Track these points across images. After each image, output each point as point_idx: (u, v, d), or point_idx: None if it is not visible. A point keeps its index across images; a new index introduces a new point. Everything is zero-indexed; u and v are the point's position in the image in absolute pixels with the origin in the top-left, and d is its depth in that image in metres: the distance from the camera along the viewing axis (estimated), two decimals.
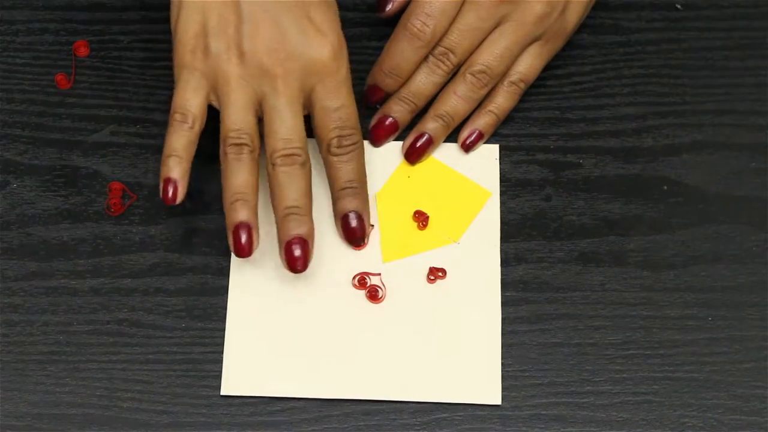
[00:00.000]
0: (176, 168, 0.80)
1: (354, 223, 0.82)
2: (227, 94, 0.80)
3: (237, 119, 0.79)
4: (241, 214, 0.80)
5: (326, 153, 0.81)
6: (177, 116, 0.80)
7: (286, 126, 0.79)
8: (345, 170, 0.81)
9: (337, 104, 0.80)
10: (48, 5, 0.90)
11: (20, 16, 0.90)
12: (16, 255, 0.84)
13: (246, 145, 0.79)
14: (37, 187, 0.85)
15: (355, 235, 0.83)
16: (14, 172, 0.86)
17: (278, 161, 0.80)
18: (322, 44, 0.79)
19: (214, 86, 0.80)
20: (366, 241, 0.84)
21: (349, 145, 0.81)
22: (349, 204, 0.82)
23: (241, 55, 0.79)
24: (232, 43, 0.79)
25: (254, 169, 0.80)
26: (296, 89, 0.79)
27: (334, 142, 0.80)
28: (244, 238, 0.80)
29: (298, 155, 0.80)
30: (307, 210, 0.80)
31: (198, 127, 0.80)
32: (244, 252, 0.80)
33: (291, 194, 0.80)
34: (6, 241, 0.84)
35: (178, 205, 0.80)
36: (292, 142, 0.79)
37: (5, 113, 0.87)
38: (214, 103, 0.81)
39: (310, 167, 0.81)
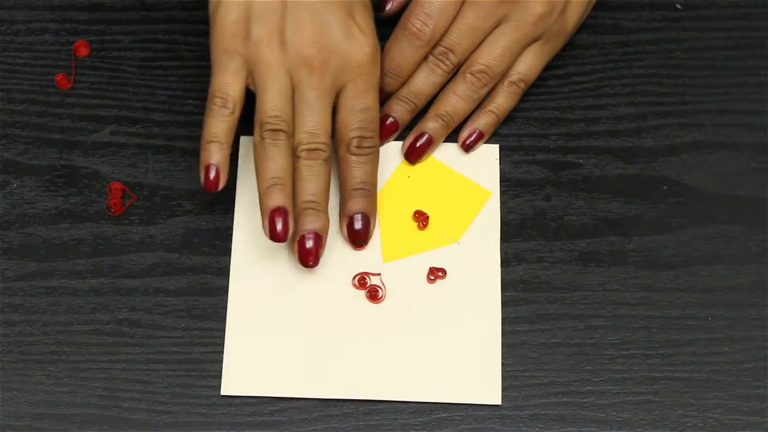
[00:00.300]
0: (217, 154, 0.79)
1: (360, 225, 0.82)
2: (265, 79, 0.79)
3: (276, 105, 0.79)
4: (277, 198, 0.79)
5: (344, 151, 0.81)
6: (217, 101, 0.79)
7: (314, 120, 0.79)
8: (360, 171, 0.81)
9: (363, 105, 0.80)
10: (48, 5, 0.90)
11: (20, 16, 0.90)
12: (16, 255, 0.84)
13: (284, 131, 0.79)
14: (37, 187, 0.85)
15: (359, 237, 0.83)
16: (14, 172, 0.86)
17: (302, 154, 0.79)
18: (362, 44, 0.79)
19: (252, 71, 0.79)
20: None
21: (368, 147, 0.81)
22: (358, 205, 0.82)
23: (283, 43, 0.78)
24: (275, 30, 0.78)
25: (290, 155, 0.80)
26: (329, 84, 0.79)
27: (354, 142, 0.80)
28: (280, 224, 0.79)
29: (322, 150, 0.80)
30: (324, 205, 0.81)
31: (238, 112, 0.80)
32: (280, 238, 0.80)
33: (310, 188, 0.80)
34: (6, 241, 0.84)
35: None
36: (318, 136, 0.79)
37: (5, 113, 0.87)
38: (251, 87, 0.80)
39: (331, 163, 0.81)
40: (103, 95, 0.88)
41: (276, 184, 0.79)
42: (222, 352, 0.81)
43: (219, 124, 0.79)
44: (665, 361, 0.82)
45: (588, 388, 0.81)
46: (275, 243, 0.82)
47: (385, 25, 0.86)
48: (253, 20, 0.79)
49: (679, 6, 0.90)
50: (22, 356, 0.81)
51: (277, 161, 0.79)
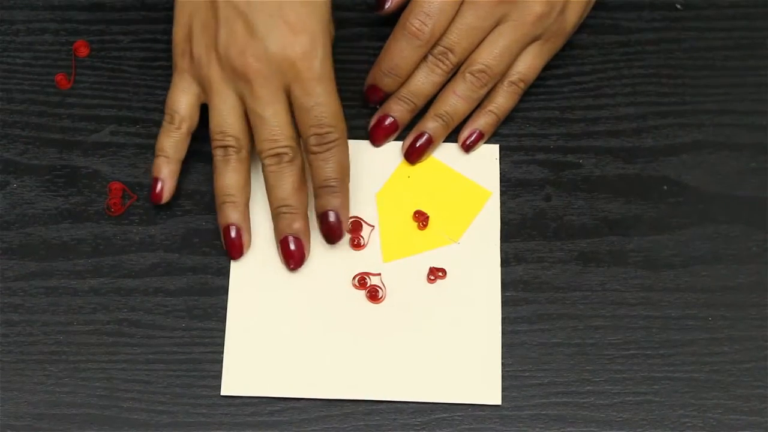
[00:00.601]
0: (164, 168, 0.83)
1: (331, 222, 0.82)
2: (211, 97, 0.81)
3: (221, 122, 0.81)
4: (229, 216, 0.82)
5: (306, 151, 0.81)
6: (166, 117, 0.83)
7: (267, 128, 0.80)
8: (323, 168, 0.81)
9: (311, 102, 0.80)
10: (48, 5, 0.90)
11: (20, 16, 0.90)
12: (16, 255, 0.84)
13: (231, 146, 0.81)
14: (37, 187, 0.85)
15: (332, 234, 0.83)
16: (14, 172, 0.86)
17: (265, 161, 0.81)
18: (291, 43, 0.79)
19: (202, 89, 0.81)
20: (364, 242, 0.84)
21: (327, 142, 0.80)
22: (326, 203, 0.82)
23: (219, 59, 0.80)
24: (211, 46, 0.80)
25: (242, 170, 0.82)
26: (273, 89, 0.79)
27: (311, 140, 0.80)
28: (234, 240, 0.82)
29: (285, 153, 0.80)
30: (298, 207, 0.81)
31: (186, 127, 0.83)
32: (235, 252, 0.83)
33: (280, 193, 0.81)
34: (6, 241, 0.84)
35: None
36: (277, 141, 0.80)
37: (5, 113, 0.87)
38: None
39: (300, 162, 0.81)
40: (103, 95, 0.88)
41: (226, 202, 0.82)
42: (222, 352, 0.81)
43: (167, 139, 0.83)
44: (665, 361, 0.82)
45: (588, 388, 0.81)
46: (274, 244, 0.83)
47: (385, 26, 0.86)
48: (193, 39, 0.81)
49: (679, 6, 0.90)
50: (22, 356, 0.81)
51: (225, 178, 0.82)
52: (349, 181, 0.82)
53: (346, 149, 0.81)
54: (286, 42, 0.79)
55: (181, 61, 0.82)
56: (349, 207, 0.83)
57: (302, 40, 0.79)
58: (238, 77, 0.79)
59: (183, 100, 0.82)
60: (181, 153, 0.83)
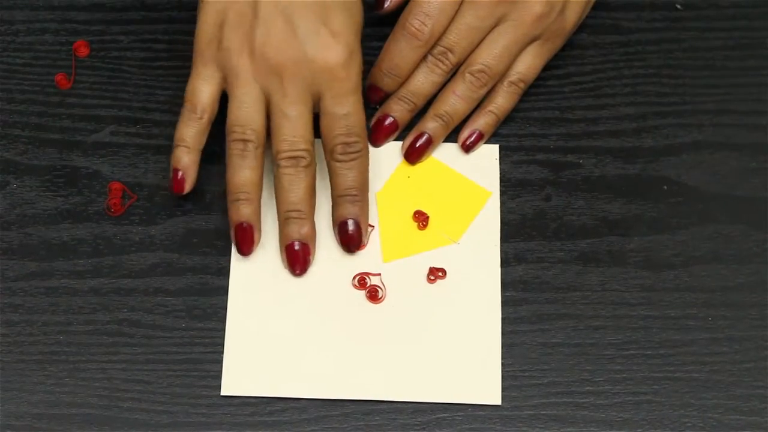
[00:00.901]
0: (184, 158, 0.81)
1: (351, 230, 0.82)
2: (235, 88, 0.80)
3: (242, 114, 0.80)
4: (242, 213, 0.81)
5: (330, 158, 0.81)
6: (187, 105, 0.81)
7: (290, 127, 0.80)
8: (346, 177, 0.81)
9: (343, 111, 0.80)
10: (48, 5, 0.90)
11: (20, 16, 0.90)
12: (16, 255, 0.84)
13: (250, 141, 0.80)
14: (37, 187, 0.85)
15: (351, 242, 0.83)
16: (14, 172, 0.86)
17: (281, 163, 0.80)
18: (332, 50, 0.79)
19: (226, 79, 0.80)
20: (366, 241, 0.84)
21: (353, 152, 0.81)
22: (347, 211, 0.82)
23: (252, 52, 0.79)
24: (245, 39, 0.79)
25: (257, 166, 0.81)
26: (302, 91, 0.79)
27: (338, 148, 0.80)
28: (245, 236, 0.81)
29: (303, 157, 0.80)
30: (307, 213, 0.81)
31: (207, 117, 0.81)
32: (245, 251, 0.82)
33: (292, 197, 0.80)
34: (6, 241, 0.84)
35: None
36: (296, 144, 0.80)
37: (5, 113, 0.87)
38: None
39: (314, 168, 0.81)
40: (103, 95, 0.88)
41: (239, 199, 0.81)
42: (222, 352, 0.81)
43: (187, 129, 0.81)
44: (665, 361, 0.82)
45: (588, 388, 0.81)
46: (276, 243, 0.83)
47: (385, 26, 0.86)
48: (226, 28, 0.79)
49: (679, 6, 0.90)
50: (22, 356, 0.81)
51: (241, 174, 0.80)
52: (368, 192, 0.82)
53: (368, 161, 0.82)
54: (327, 48, 0.78)
55: (207, 49, 0.80)
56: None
57: (341, 49, 0.79)
58: (270, 73, 0.79)
59: (205, 90, 0.81)
60: (202, 143, 0.82)
